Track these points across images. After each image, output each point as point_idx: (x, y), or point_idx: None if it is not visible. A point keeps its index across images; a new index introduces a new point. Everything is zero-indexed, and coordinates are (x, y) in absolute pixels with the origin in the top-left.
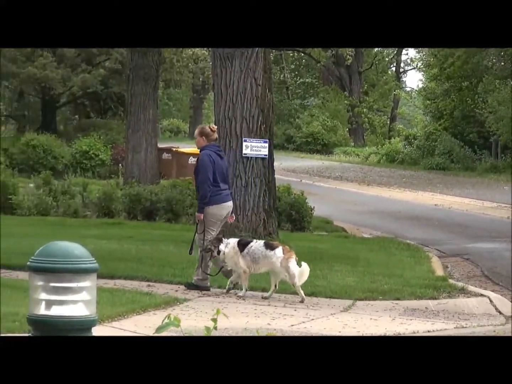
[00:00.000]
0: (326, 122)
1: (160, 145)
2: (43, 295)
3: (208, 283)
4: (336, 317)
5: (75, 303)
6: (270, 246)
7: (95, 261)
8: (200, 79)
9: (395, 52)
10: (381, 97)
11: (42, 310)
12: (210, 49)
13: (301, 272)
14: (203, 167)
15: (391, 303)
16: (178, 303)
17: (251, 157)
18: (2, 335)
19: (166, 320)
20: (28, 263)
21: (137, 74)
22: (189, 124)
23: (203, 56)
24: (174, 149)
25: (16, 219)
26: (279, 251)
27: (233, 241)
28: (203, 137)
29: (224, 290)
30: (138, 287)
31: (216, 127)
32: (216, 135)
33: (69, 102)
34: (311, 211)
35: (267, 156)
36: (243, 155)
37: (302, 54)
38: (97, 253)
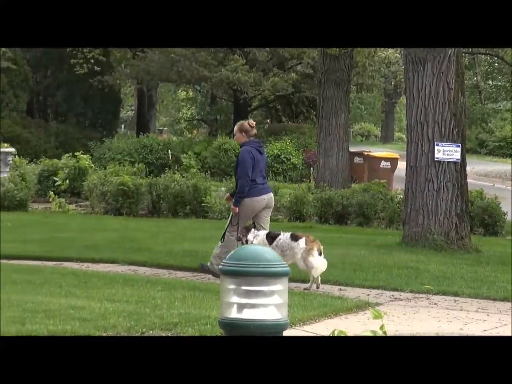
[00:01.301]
0: None
1: (352, 149)
2: (235, 299)
3: None
4: None
5: (266, 306)
6: (295, 238)
7: (286, 264)
8: (392, 83)
9: None
10: None
11: (233, 314)
12: (402, 52)
13: (320, 264)
14: (243, 163)
15: None
16: (369, 307)
17: (443, 161)
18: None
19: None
20: (220, 266)
21: (328, 78)
22: (380, 128)
23: (395, 60)
24: (365, 153)
25: (208, 223)
26: (302, 241)
27: (263, 233)
28: (243, 133)
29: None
30: (329, 291)
31: (254, 123)
32: (255, 131)
33: (260, 106)
34: (505, 215)
35: (459, 160)
36: (435, 159)
37: (495, 58)
38: None
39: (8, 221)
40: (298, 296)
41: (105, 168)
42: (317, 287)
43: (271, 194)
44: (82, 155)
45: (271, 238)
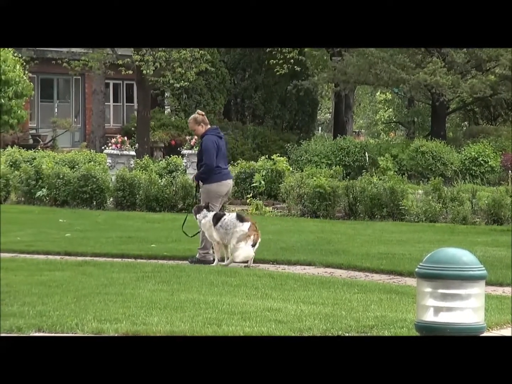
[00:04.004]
0: None
1: None
2: (431, 302)
3: (211, 257)
4: None
5: (463, 310)
6: (240, 218)
7: (483, 268)
8: None
9: None
10: None
11: (430, 317)
12: None
13: (247, 253)
14: (207, 151)
15: None
16: None
17: None
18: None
19: None
20: (416, 269)
21: None
22: None
23: None
24: None
25: (405, 225)
26: (246, 225)
27: (211, 215)
28: (201, 124)
29: None
30: None
31: (202, 111)
32: (206, 118)
33: (458, 108)
34: None
35: None
36: None
37: None
38: (486, 260)
39: None
40: (494, 300)
41: (302, 171)
42: (226, 265)
43: (231, 181)
44: (279, 158)
45: (216, 219)
